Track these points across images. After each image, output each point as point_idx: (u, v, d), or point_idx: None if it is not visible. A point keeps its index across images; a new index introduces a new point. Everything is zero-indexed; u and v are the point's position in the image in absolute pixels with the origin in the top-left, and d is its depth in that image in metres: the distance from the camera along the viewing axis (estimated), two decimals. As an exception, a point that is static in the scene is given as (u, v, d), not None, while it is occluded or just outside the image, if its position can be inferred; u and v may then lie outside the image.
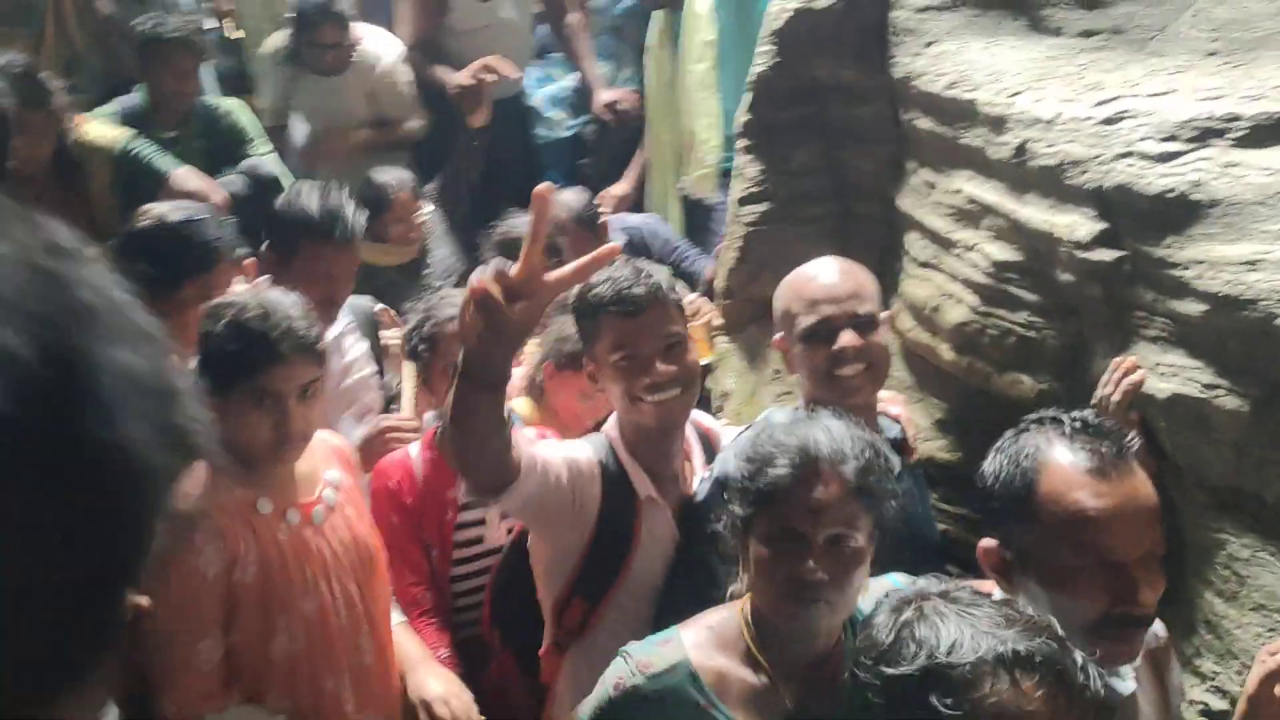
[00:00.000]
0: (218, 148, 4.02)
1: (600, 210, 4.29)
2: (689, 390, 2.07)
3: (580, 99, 5.07)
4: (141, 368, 0.52)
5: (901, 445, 2.22)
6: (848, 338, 2.07)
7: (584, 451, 2.05)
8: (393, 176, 4.38)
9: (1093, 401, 1.98)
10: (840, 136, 3.05)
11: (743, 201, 3.20)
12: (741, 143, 3.24)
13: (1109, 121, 2.09)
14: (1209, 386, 1.85)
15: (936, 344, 2.54)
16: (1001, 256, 2.34)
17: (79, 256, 0.53)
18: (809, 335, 2.10)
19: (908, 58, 2.71)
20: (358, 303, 3.03)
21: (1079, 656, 1.20)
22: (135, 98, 3.94)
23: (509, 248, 3.60)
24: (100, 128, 3.50)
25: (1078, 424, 1.53)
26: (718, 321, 3.37)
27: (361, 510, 2.22)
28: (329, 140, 4.46)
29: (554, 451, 2.02)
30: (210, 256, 2.50)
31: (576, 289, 2.04)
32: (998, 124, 2.34)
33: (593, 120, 4.99)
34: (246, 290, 2.31)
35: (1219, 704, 1.86)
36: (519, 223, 3.64)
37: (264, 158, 4.06)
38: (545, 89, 5.09)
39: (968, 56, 2.53)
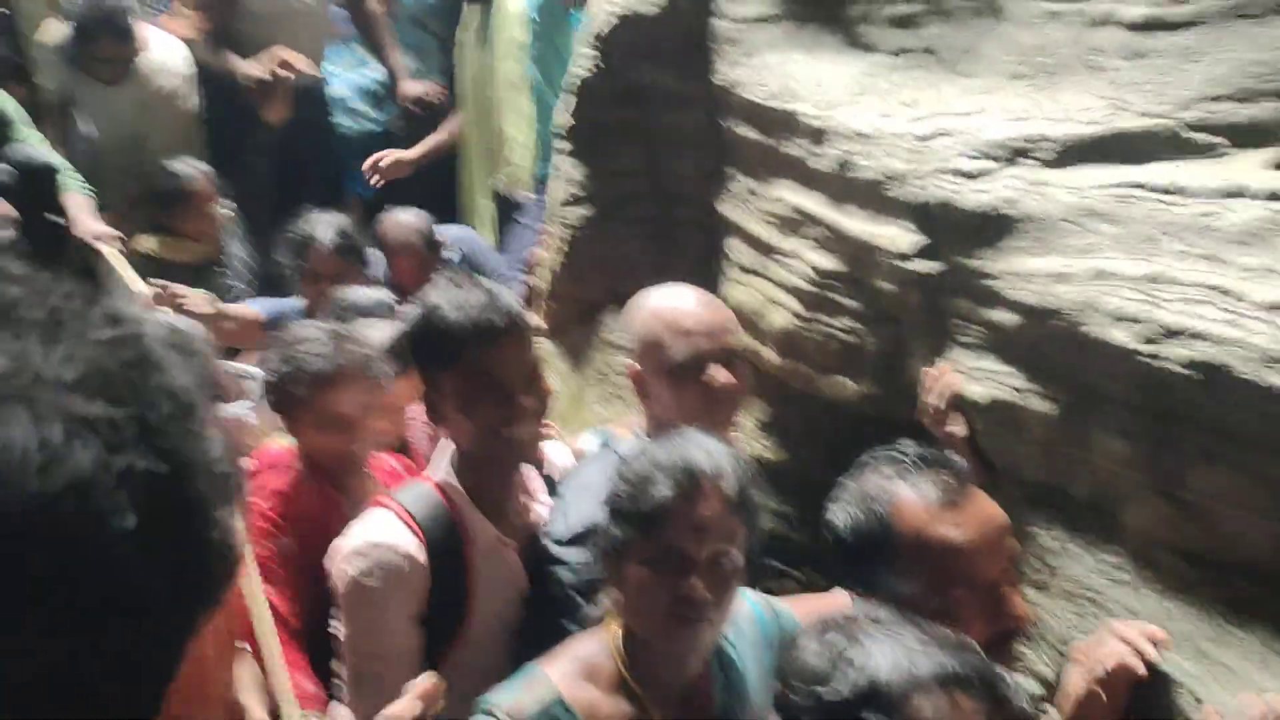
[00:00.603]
0: None
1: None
2: (544, 420, 2.05)
3: (387, 91, 4.96)
4: (219, 455, 0.54)
5: None
6: (723, 375, 2.04)
7: (404, 561, 1.88)
8: (188, 167, 4.19)
9: (918, 410, 2.09)
10: (662, 141, 3.10)
11: (565, 203, 3.22)
12: (563, 145, 3.25)
13: (925, 138, 2.20)
14: (1021, 390, 1.98)
15: (761, 348, 2.62)
16: (824, 264, 2.44)
17: (137, 321, 0.53)
18: (681, 369, 2.04)
19: (728, 66, 2.78)
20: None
21: (1003, 672, 1.23)
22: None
23: (306, 249, 3.51)
24: None
25: (914, 458, 1.59)
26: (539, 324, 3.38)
27: None
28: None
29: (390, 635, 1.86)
30: None
31: (417, 311, 1.98)
32: (818, 136, 2.43)
33: (400, 114, 4.90)
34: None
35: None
36: (319, 220, 3.56)
37: (34, 145, 3.81)
38: (349, 76, 4.96)
39: (788, 69, 2.61)
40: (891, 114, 2.31)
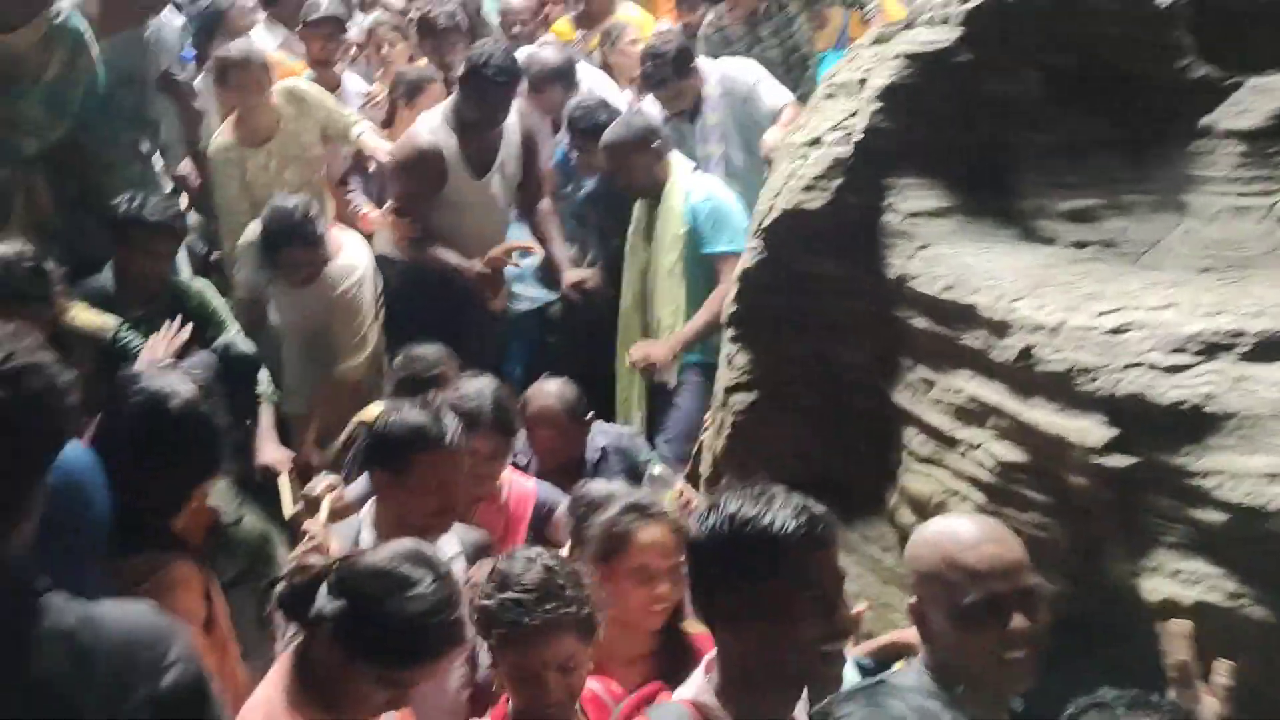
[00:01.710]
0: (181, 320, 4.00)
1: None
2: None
3: (544, 276, 5.18)
4: None
5: None
6: (1019, 620, 1.89)
7: None
8: (436, 351, 4.24)
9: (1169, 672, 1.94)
10: (829, 329, 3.13)
11: (731, 390, 3.25)
12: (729, 332, 3.31)
13: (1115, 331, 2.18)
14: (1234, 595, 1.90)
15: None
16: (1008, 456, 2.40)
17: None
18: (972, 614, 1.90)
19: (900, 259, 2.82)
20: (467, 536, 2.96)
21: None
22: (103, 276, 3.91)
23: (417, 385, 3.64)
24: (88, 314, 3.47)
25: (1122, 705, 1.55)
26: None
27: None
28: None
29: None
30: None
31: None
32: (999, 328, 2.43)
33: (559, 299, 5.09)
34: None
35: None
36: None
37: (235, 337, 4.06)
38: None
39: (963, 261, 2.64)
40: (1076, 307, 2.31)
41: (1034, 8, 2.66)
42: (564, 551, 3.26)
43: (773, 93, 4.87)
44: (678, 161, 4.61)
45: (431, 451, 2.70)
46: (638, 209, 4.68)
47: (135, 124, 4.59)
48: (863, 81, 3.18)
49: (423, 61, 5.74)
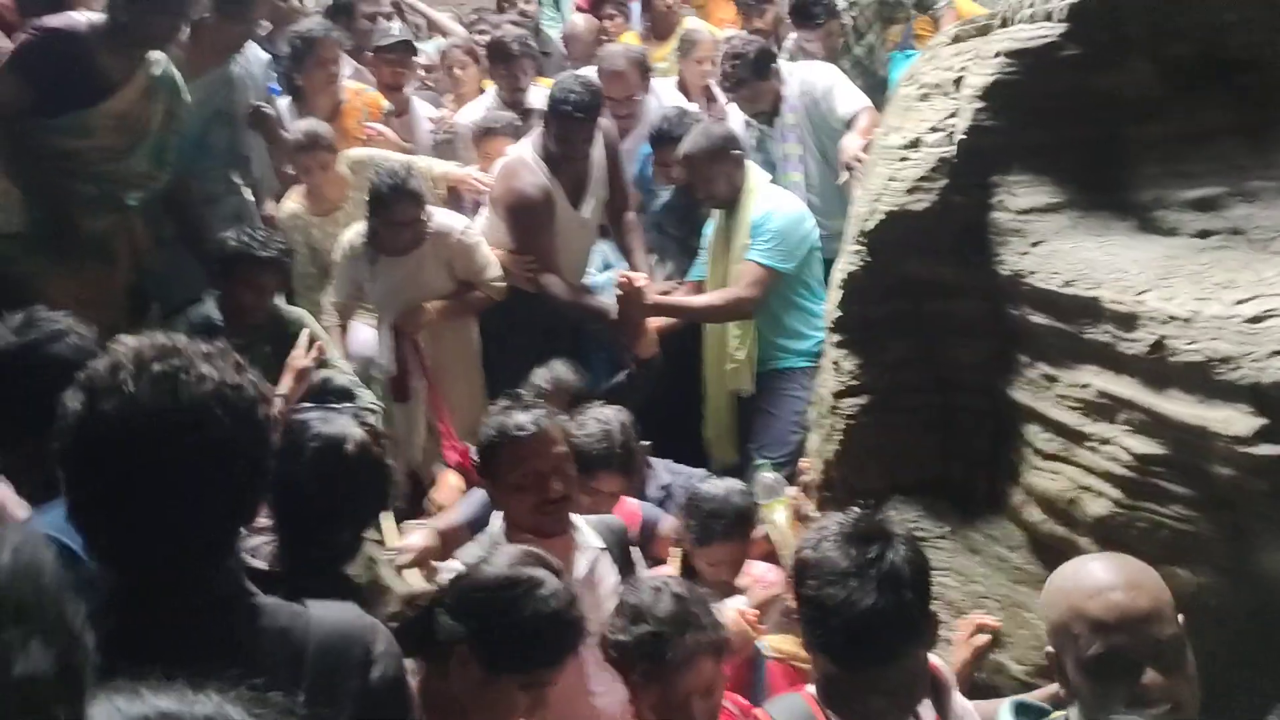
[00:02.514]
0: (284, 356, 4.05)
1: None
2: None
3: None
4: None
5: None
6: (1152, 676, 1.75)
7: None
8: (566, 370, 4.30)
9: None
10: (937, 330, 3.12)
11: (840, 395, 3.25)
12: (834, 338, 3.31)
13: (1255, 320, 2.17)
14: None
15: (1075, 537, 2.56)
16: (1144, 450, 2.39)
17: None
18: (1097, 668, 1.79)
19: (1014, 256, 2.81)
20: (604, 524, 2.98)
21: None
22: (206, 307, 3.98)
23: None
24: None
25: None
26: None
27: None
28: (408, 318, 4.53)
29: None
30: None
31: None
32: (1127, 321, 2.42)
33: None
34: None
35: None
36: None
37: (333, 369, 4.10)
38: (595, 278, 5.24)
39: (1082, 256, 2.63)
40: (1208, 296, 2.29)
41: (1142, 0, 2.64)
42: (672, 566, 3.29)
43: (848, 97, 4.89)
44: (754, 172, 4.63)
45: (511, 445, 2.72)
46: (717, 219, 4.70)
47: (228, 159, 4.68)
48: (959, 81, 3.18)
49: (489, 84, 5.80)
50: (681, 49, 6.03)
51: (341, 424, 2.46)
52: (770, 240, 4.44)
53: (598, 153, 4.88)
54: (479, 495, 3.54)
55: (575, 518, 2.85)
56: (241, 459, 1.45)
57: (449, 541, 3.38)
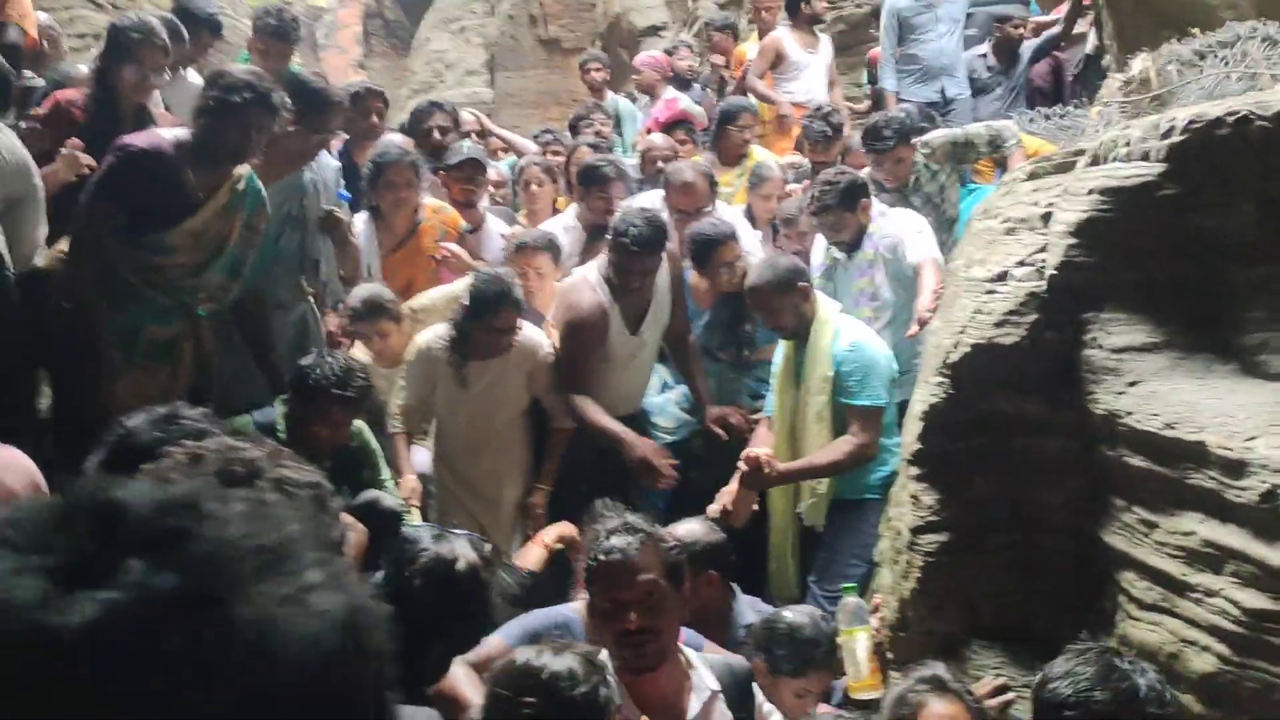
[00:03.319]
0: (341, 467, 3.98)
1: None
2: None
3: (686, 412, 5.16)
4: None
5: None
6: None
7: None
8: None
9: None
10: (1023, 467, 3.03)
11: (919, 531, 3.15)
12: (913, 471, 3.23)
13: (1377, 472, 2.07)
14: None
15: (1178, 694, 2.42)
16: (1254, 604, 2.27)
17: None
18: None
19: (1109, 395, 2.73)
20: (734, 664, 2.97)
21: None
22: (270, 414, 3.93)
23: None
24: None
25: None
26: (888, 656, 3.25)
27: None
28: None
29: None
30: None
31: None
32: (1235, 468, 2.33)
33: (700, 433, 5.05)
34: None
35: None
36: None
37: (385, 490, 4.04)
38: (654, 399, 5.20)
39: (1183, 398, 2.55)
40: (1324, 446, 2.20)
41: (1247, 142, 2.61)
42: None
43: (918, 246, 4.83)
44: (825, 303, 4.59)
45: (600, 568, 2.67)
46: (784, 347, 4.65)
47: (299, 264, 4.72)
48: (1046, 216, 3.15)
49: (565, 203, 5.86)
50: (752, 182, 6.09)
51: (455, 544, 2.44)
52: (865, 377, 4.35)
53: (662, 277, 4.88)
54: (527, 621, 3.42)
55: (693, 656, 2.75)
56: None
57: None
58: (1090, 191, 2.93)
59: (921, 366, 3.59)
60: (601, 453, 4.76)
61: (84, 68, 5.12)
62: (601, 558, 2.63)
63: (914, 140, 5.46)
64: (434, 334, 4.65)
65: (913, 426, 3.28)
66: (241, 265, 4.16)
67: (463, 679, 2.96)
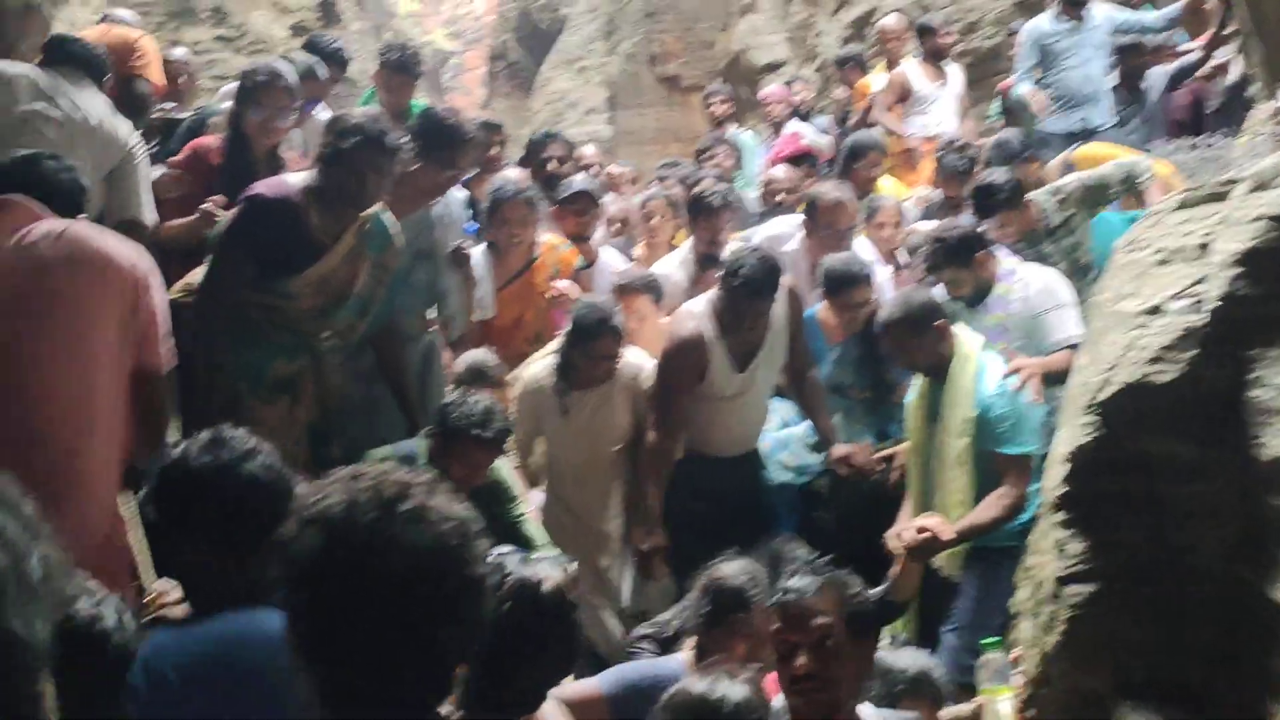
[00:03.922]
0: (479, 500, 3.96)
1: None
2: None
3: (810, 450, 5.03)
4: None
5: None
6: None
7: None
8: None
9: None
10: (1179, 513, 2.83)
11: (1064, 581, 2.97)
12: (1058, 516, 3.04)
13: None
14: None
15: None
16: None
17: None
18: None
19: (1278, 440, 2.53)
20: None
21: None
22: (413, 449, 3.95)
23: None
24: None
25: None
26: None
27: None
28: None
29: None
30: None
31: None
32: None
33: (825, 472, 4.92)
34: None
35: None
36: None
37: (520, 525, 4.03)
38: (774, 435, 5.08)
39: (1364, 442, 2.34)
40: None
41: None
42: None
43: (1065, 324, 4.60)
44: (967, 338, 4.38)
45: (778, 607, 2.62)
46: (919, 384, 4.47)
47: (428, 297, 4.75)
48: (1204, 246, 2.97)
49: (682, 237, 5.80)
50: (867, 214, 5.97)
51: (540, 566, 2.38)
52: (1016, 423, 4.15)
53: (779, 310, 4.74)
54: (627, 672, 3.29)
55: (868, 712, 2.64)
56: (471, 603, 1.43)
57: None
58: (1255, 219, 2.74)
59: (1063, 406, 3.41)
60: (717, 488, 4.65)
61: (225, 105, 5.26)
62: (779, 597, 2.55)
63: (1027, 197, 5.24)
64: (537, 368, 4.64)
65: (1056, 470, 3.10)
66: (370, 305, 4.22)
67: (556, 714, 2.88)
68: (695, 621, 3.19)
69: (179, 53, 6.56)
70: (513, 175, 5.91)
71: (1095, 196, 5.30)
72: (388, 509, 1.37)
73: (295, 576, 1.37)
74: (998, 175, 5.28)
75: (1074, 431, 3.05)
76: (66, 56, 4.38)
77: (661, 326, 4.92)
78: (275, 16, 11.74)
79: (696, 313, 4.66)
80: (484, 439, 3.76)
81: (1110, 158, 5.72)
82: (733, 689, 2.11)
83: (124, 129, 4.35)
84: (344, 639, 1.35)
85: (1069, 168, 5.85)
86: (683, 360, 4.56)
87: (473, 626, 1.42)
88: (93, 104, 4.27)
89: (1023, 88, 7.15)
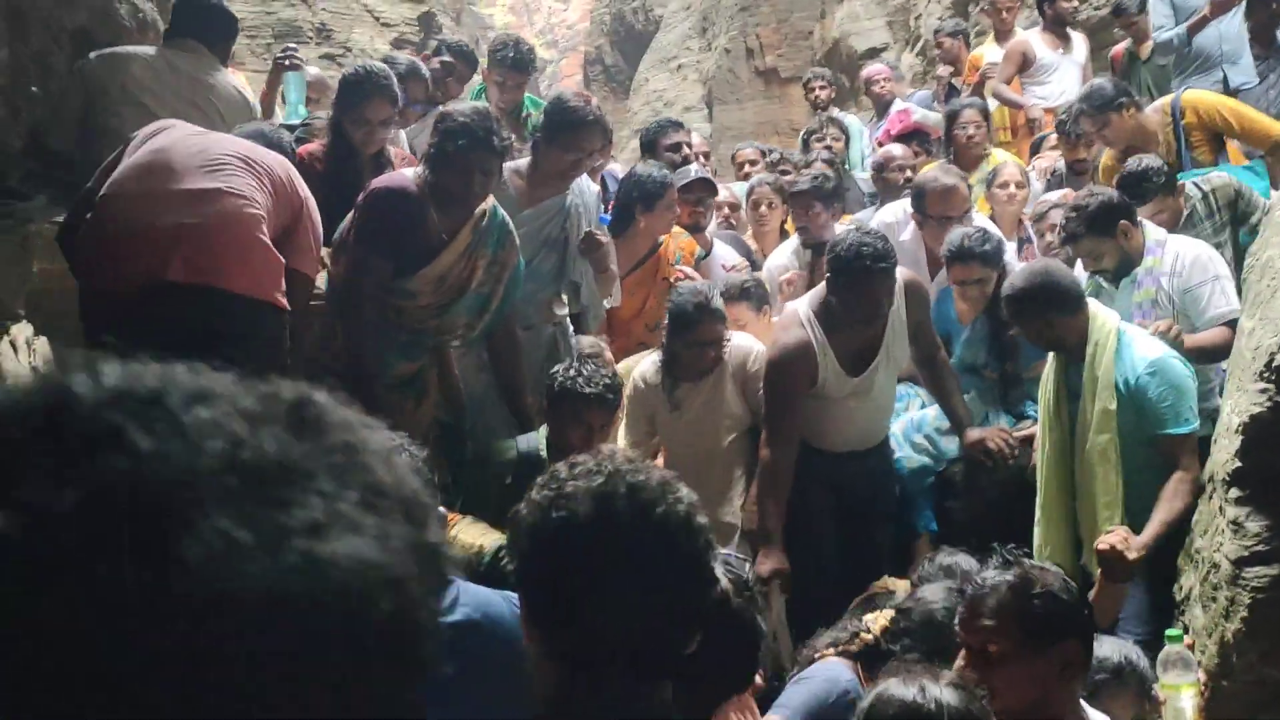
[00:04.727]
0: None
1: None
2: None
3: (941, 434, 4.77)
4: None
5: None
6: None
7: None
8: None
9: None
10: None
11: (1243, 563, 2.72)
12: (1233, 493, 2.80)
13: None
14: None
15: None
16: None
17: None
18: None
19: None
20: None
21: None
22: (534, 440, 3.88)
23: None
24: (470, 533, 3.30)
25: None
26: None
27: None
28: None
29: None
30: None
31: None
32: None
33: (959, 459, 4.65)
34: None
35: None
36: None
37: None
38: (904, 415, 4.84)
39: None
40: None
41: None
42: None
43: (1221, 299, 4.20)
44: (1103, 315, 3.95)
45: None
46: (1053, 364, 4.14)
47: (555, 286, 4.64)
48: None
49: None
50: (989, 182, 5.68)
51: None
52: (1177, 400, 3.69)
53: (897, 302, 4.38)
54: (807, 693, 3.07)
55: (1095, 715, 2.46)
56: (698, 574, 1.46)
57: None
58: None
59: (1229, 373, 3.14)
60: (840, 482, 4.42)
61: (322, 116, 5.23)
62: (967, 588, 2.36)
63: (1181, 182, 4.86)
64: (644, 366, 4.48)
65: (1227, 442, 2.85)
66: (489, 302, 4.12)
67: None
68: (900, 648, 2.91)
69: (313, 72, 6.63)
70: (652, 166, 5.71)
71: (1243, 209, 4.88)
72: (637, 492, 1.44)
73: (541, 553, 1.43)
74: (1152, 161, 4.93)
75: (1245, 401, 2.80)
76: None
77: (767, 330, 4.70)
78: (378, 31, 11.96)
79: (802, 315, 4.31)
80: (592, 396, 3.64)
81: (1222, 105, 5.37)
82: (944, 692, 1.90)
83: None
84: (580, 613, 1.40)
85: (1177, 106, 5.48)
86: (790, 369, 4.23)
87: (693, 598, 1.45)
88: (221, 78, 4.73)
89: (1162, 35, 6.73)
